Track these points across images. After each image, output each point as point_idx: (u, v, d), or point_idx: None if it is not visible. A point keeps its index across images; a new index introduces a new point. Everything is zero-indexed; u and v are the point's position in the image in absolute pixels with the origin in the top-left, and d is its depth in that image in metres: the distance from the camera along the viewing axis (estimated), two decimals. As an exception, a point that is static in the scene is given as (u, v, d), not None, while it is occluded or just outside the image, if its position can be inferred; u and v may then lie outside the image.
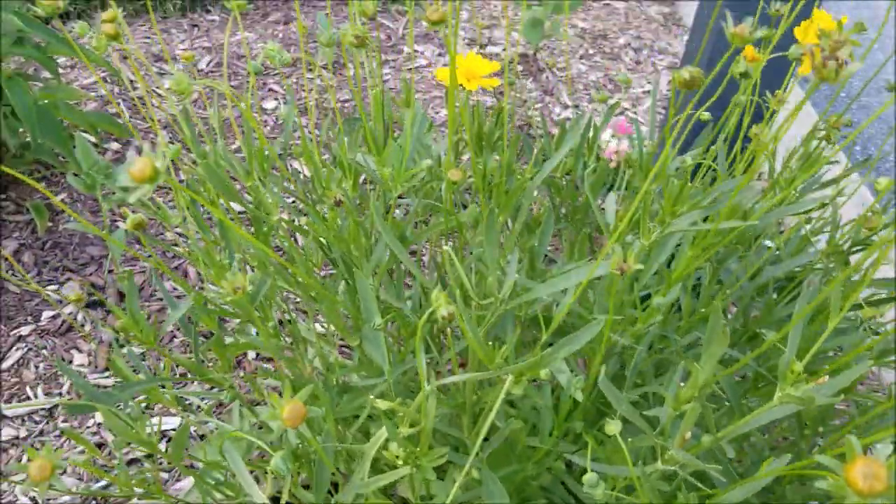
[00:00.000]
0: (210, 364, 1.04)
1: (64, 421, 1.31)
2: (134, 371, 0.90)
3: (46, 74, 1.87)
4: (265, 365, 1.43)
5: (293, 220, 0.99)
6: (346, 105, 2.11)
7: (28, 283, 1.48)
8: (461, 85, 0.97)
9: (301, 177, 1.65)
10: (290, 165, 1.89)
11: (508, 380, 0.62)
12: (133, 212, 0.76)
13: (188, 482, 1.23)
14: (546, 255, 0.96)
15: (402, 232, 0.83)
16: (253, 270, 0.98)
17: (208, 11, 2.56)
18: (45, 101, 1.62)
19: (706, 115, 0.97)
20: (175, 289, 1.56)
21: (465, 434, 0.82)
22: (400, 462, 0.64)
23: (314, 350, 1.07)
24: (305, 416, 0.44)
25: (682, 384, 0.65)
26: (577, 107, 2.24)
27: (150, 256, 1.63)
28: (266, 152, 0.84)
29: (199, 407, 1.32)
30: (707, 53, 1.16)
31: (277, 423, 0.45)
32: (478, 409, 0.82)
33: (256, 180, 0.82)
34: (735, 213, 0.66)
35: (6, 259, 1.56)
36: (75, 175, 1.67)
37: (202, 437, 1.28)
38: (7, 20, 1.42)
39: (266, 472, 1.07)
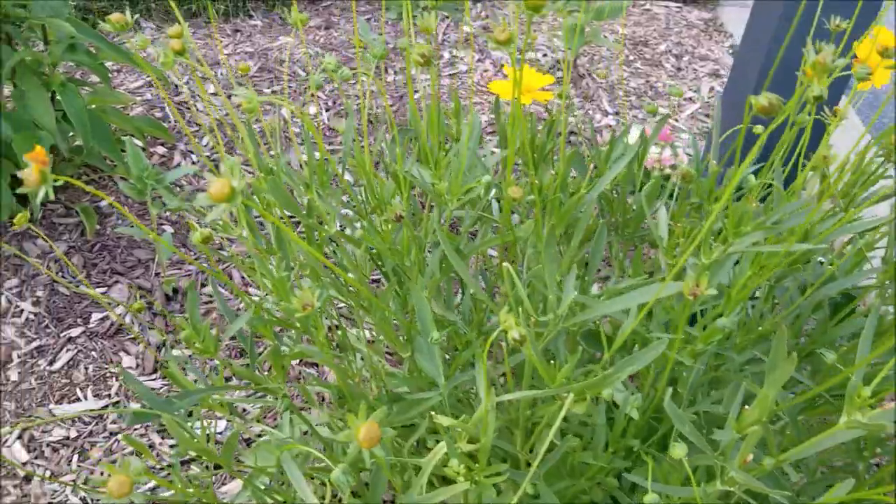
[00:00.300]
0: (265, 372, 1.05)
1: (113, 422, 1.33)
2: (184, 374, 0.92)
3: (94, 79, 1.90)
4: (308, 370, 1.45)
5: (343, 229, 1.00)
6: (382, 110, 2.12)
7: (83, 286, 1.51)
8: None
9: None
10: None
11: (569, 398, 0.62)
12: (203, 226, 0.78)
13: (235, 485, 1.25)
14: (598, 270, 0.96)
15: (457, 245, 0.83)
16: (302, 278, 0.99)
17: (250, 16, 2.59)
18: (94, 107, 1.65)
19: (759, 129, 0.96)
20: (225, 295, 1.58)
21: (517, 449, 0.82)
22: (460, 478, 0.64)
23: (363, 358, 1.08)
24: (380, 438, 0.44)
25: (744, 405, 0.65)
26: (617, 113, 2.23)
27: (197, 259, 1.65)
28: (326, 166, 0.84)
29: (245, 410, 1.33)
30: (759, 65, 1.14)
31: (354, 444, 0.45)
32: (530, 425, 0.82)
33: (315, 194, 0.83)
34: (799, 234, 0.65)
35: (59, 261, 1.59)
36: (124, 180, 1.70)
37: (247, 441, 1.30)
38: (60, 26, 1.45)
39: (313, 478, 1.08)
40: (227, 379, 1.43)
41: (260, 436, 1.28)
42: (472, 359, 0.81)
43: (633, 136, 1.85)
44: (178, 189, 1.79)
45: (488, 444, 0.65)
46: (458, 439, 0.67)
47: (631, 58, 2.51)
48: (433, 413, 0.66)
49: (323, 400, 1.35)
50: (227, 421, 1.36)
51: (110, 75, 2.21)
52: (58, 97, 1.47)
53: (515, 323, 0.53)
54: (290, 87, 2.22)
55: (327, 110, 2.13)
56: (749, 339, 0.82)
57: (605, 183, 0.83)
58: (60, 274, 1.58)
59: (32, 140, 1.43)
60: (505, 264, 0.69)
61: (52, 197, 0.57)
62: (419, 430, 0.81)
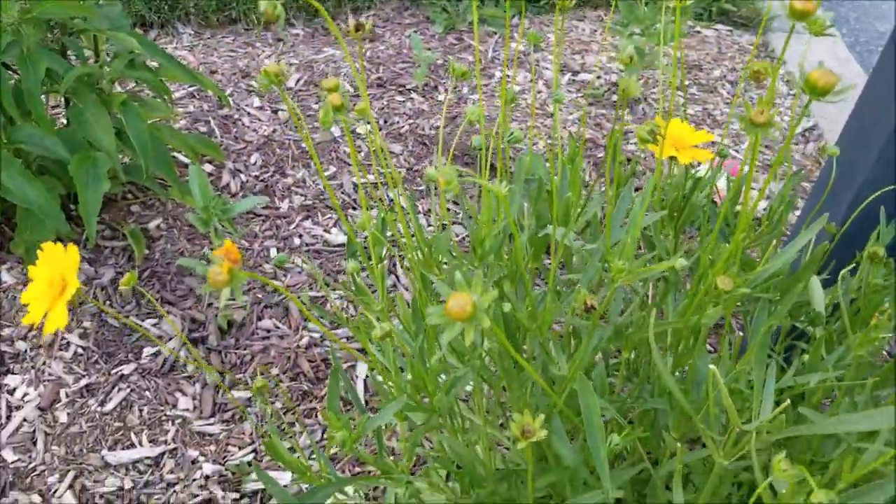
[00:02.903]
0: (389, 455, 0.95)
1: (170, 472, 1.23)
2: (290, 450, 0.82)
3: (146, 92, 1.80)
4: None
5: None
6: (436, 131, 2.02)
7: (134, 316, 1.41)
8: (672, 156, 0.88)
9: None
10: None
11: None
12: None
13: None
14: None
15: (620, 329, 0.74)
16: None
17: (292, 25, 2.49)
18: (150, 125, 1.55)
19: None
20: (277, 327, 1.48)
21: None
22: None
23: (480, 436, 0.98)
24: None
25: None
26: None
27: (251, 289, 1.55)
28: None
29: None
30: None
31: None
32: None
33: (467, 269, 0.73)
34: None
35: (105, 287, 1.49)
36: (174, 202, 1.60)
37: None
38: (123, 39, 1.35)
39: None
40: (357, 466, 1.33)
41: None
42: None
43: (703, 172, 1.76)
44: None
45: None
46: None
47: (686, 83, 2.42)
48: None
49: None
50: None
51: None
52: (118, 115, 1.37)
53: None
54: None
55: (379, 129, 2.03)
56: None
57: (788, 258, 0.74)
58: (108, 303, 1.48)
59: (90, 161, 1.33)
60: (711, 367, 0.60)
61: (238, 299, 0.48)
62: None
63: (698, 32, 2.77)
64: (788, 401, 0.61)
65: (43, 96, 1.51)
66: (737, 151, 2.16)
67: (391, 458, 1.18)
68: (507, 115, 0.91)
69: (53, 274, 0.63)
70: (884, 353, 0.81)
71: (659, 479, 0.75)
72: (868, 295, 0.78)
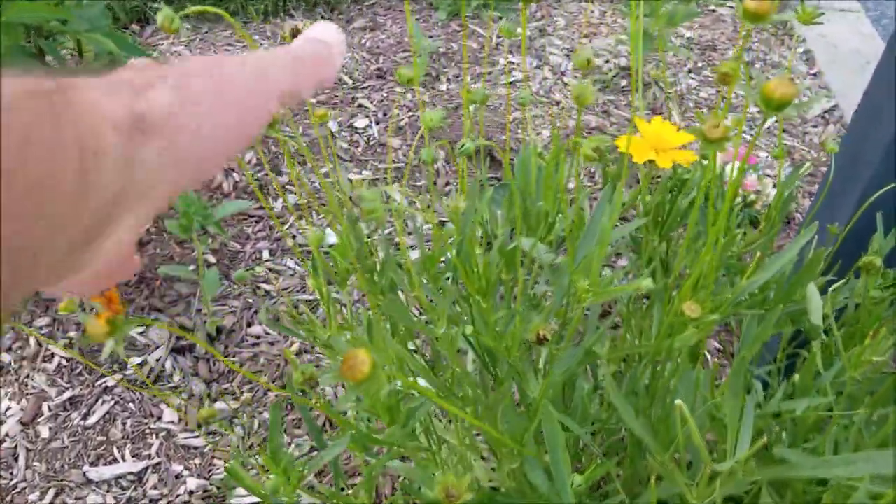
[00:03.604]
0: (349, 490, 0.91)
1: (153, 488, 1.20)
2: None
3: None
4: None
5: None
6: (441, 125, 1.96)
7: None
8: (650, 160, 0.81)
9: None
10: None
11: None
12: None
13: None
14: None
15: (589, 347, 0.68)
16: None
17: (291, 16, 2.43)
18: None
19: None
20: (267, 333, 1.44)
21: None
22: None
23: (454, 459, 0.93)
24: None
25: None
26: (688, 127, 2.05)
27: (240, 294, 1.51)
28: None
29: None
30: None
31: None
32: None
33: (423, 292, 0.67)
34: None
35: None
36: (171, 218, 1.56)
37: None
38: (98, 41, 1.30)
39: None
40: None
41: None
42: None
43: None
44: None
45: None
46: None
47: (699, 65, 2.33)
48: None
49: None
50: None
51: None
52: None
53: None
54: (335, 95, 2.06)
55: (377, 123, 1.97)
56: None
57: (777, 267, 0.67)
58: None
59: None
60: (678, 402, 0.54)
61: (121, 353, 0.44)
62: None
63: (713, 11, 2.66)
64: (765, 438, 0.54)
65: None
66: (752, 136, 2.07)
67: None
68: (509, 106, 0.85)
69: None
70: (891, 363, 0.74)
71: (636, 512, 0.69)
72: (866, 307, 0.71)
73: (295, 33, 0.63)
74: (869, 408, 0.70)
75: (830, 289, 0.70)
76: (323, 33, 0.46)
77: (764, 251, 0.89)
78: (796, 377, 0.70)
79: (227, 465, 1.18)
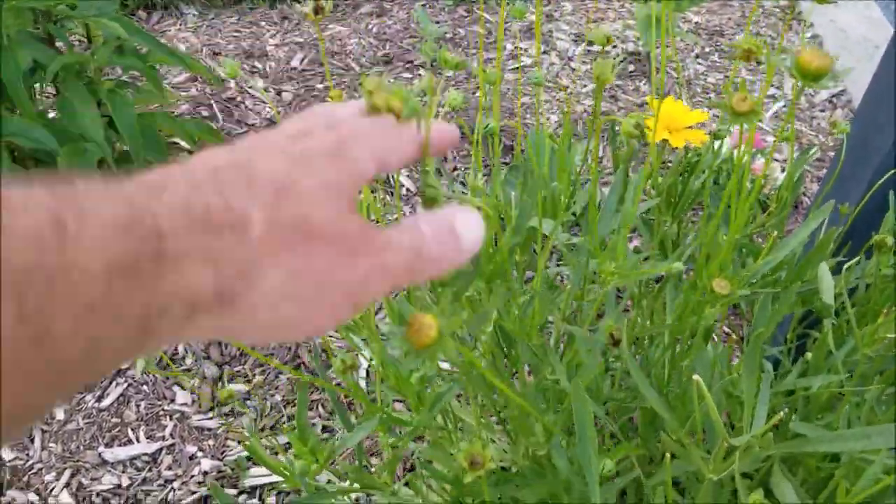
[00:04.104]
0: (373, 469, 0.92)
1: (168, 468, 1.21)
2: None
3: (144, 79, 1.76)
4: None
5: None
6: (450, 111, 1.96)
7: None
8: (664, 139, 0.82)
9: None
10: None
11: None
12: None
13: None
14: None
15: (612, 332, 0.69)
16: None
17: (298, 2, 2.43)
18: (141, 110, 1.51)
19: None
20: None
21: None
22: None
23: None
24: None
25: None
26: (712, 101, 2.05)
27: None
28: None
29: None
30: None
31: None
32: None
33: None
34: None
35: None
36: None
37: None
38: (107, 26, 1.31)
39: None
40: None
41: None
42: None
43: (724, 146, 1.68)
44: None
45: None
46: None
47: (707, 49, 2.32)
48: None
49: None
50: None
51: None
52: (105, 103, 1.34)
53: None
54: (343, 81, 2.07)
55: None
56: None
57: (786, 252, 0.68)
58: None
59: (80, 153, 1.30)
60: (695, 377, 0.55)
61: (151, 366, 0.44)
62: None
63: (721, -5, 2.65)
64: (783, 412, 0.55)
65: (38, 85, 1.48)
66: (760, 121, 2.06)
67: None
68: (520, 90, 0.85)
69: None
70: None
71: (650, 488, 0.70)
72: (878, 286, 0.72)
73: (318, 10, 0.64)
74: (880, 385, 0.71)
75: (844, 267, 0.71)
76: (462, 224, 0.32)
77: (777, 232, 0.89)
78: (808, 356, 0.70)
79: (245, 445, 1.20)
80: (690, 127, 0.81)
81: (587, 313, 0.75)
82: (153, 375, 1.33)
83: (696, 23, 2.45)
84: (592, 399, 0.84)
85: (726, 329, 1.46)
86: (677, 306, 0.71)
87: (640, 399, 0.80)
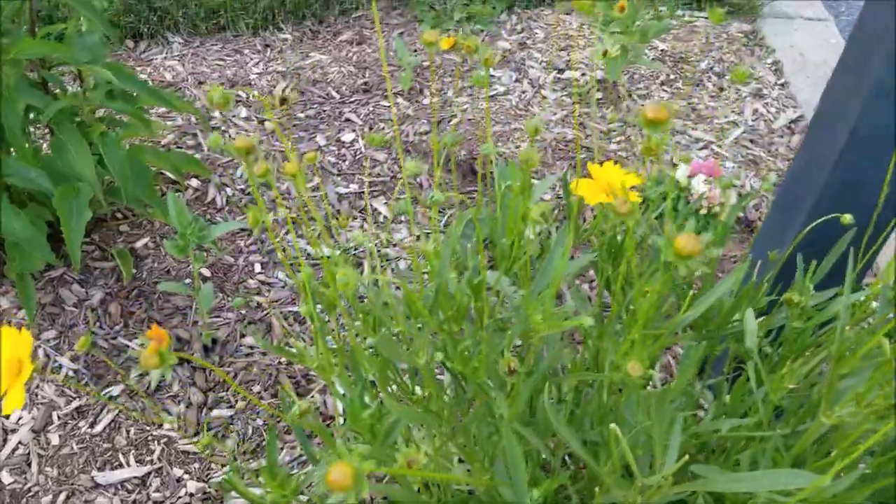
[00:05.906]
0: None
1: (156, 491, 1.30)
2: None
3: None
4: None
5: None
6: (425, 138, 2.06)
7: (122, 337, 1.47)
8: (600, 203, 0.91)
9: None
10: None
11: None
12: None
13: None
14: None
15: (546, 371, 0.78)
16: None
17: (280, 29, 2.52)
18: (129, 144, 1.60)
19: None
20: (255, 347, 1.54)
21: None
22: None
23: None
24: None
25: None
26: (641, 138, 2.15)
27: (230, 310, 1.61)
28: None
29: None
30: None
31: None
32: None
33: (408, 328, 0.77)
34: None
35: (95, 309, 1.55)
36: (159, 222, 1.65)
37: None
38: (98, 72, 1.39)
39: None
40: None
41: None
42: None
43: (682, 174, 1.78)
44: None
45: None
46: None
47: (672, 76, 2.43)
48: None
49: None
50: None
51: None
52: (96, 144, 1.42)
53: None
54: (323, 110, 2.16)
55: (363, 137, 2.06)
56: None
57: (706, 305, 0.78)
58: (98, 323, 1.54)
59: (73, 193, 1.38)
60: (612, 426, 0.64)
61: (167, 376, 0.52)
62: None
63: (689, 22, 2.76)
64: (686, 457, 0.65)
65: (32, 127, 1.56)
66: (719, 147, 2.17)
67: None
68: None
69: (10, 356, 0.68)
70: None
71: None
72: (789, 338, 0.82)
73: (283, 101, 0.73)
74: (791, 425, 0.81)
75: (773, 310, 0.80)
76: None
77: (705, 282, 0.99)
78: (727, 398, 0.80)
79: (224, 475, 1.29)
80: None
81: (529, 354, 0.85)
82: (142, 401, 1.41)
83: (661, 50, 2.56)
84: (542, 431, 0.94)
85: (672, 358, 1.56)
86: (610, 356, 0.81)
87: (581, 433, 0.90)
